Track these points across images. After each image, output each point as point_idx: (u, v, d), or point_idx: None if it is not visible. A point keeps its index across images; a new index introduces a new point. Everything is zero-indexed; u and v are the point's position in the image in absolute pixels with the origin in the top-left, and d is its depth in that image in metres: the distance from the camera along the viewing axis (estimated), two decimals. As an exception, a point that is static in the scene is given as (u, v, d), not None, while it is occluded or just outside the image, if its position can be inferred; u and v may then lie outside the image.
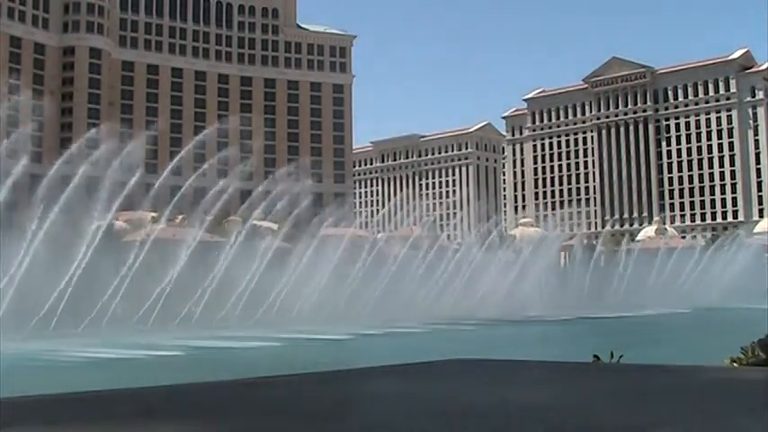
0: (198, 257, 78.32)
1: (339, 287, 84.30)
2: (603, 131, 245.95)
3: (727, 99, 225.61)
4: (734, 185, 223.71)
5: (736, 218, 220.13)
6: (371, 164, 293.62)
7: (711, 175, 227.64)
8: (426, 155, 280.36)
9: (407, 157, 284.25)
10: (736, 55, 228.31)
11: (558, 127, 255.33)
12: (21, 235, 66.11)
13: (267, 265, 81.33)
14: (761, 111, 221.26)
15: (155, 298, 74.00)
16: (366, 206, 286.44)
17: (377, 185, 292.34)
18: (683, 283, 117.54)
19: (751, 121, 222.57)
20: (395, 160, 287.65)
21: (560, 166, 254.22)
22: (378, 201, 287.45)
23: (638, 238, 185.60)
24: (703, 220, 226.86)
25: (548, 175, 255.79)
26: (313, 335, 62.94)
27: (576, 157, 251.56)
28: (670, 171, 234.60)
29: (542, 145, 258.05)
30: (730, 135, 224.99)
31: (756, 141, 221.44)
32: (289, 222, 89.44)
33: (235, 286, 78.52)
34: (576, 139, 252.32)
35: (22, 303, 62.22)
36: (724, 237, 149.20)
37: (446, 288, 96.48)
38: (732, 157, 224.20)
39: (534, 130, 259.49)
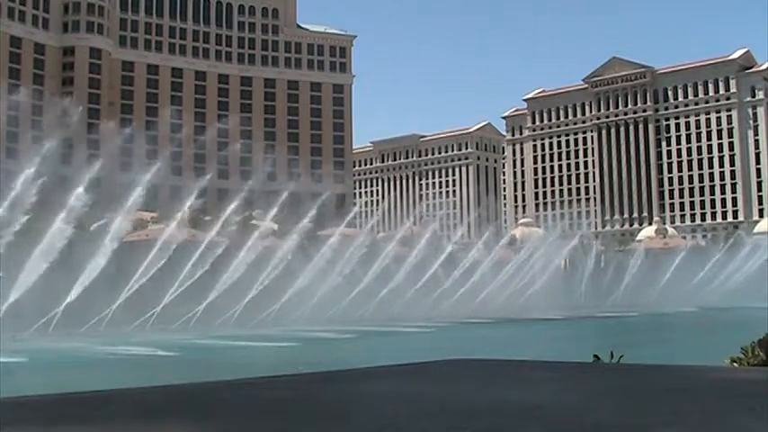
0: (202, 258, 78.31)
1: (341, 287, 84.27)
2: (603, 131, 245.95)
3: (727, 99, 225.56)
4: (734, 185, 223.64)
5: (736, 218, 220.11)
6: (371, 164, 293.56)
7: (711, 175, 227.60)
8: (426, 155, 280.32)
9: (407, 157, 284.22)
10: (736, 55, 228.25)
11: (558, 127, 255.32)
12: (25, 235, 66.20)
13: (268, 266, 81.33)
14: (761, 111, 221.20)
15: (160, 298, 73.99)
16: (366, 206, 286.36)
17: (377, 185, 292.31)
18: (690, 283, 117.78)
19: (751, 121, 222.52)
20: (395, 160, 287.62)
21: (560, 166, 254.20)
22: (378, 201, 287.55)
23: (638, 238, 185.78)
24: (703, 220, 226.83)
25: (548, 175, 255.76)
26: (315, 334, 63.01)
27: (576, 157, 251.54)
28: (670, 171, 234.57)
29: (542, 145, 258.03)
30: (730, 135, 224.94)
31: (756, 141, 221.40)
32: (296, 222, 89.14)
33: (238, 286, 78.45)
34: (576, 139, 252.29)
35: (29, 302, 62.31)
36: (736, 236, 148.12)
37: (449, 288, 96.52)
38: (732, 157, 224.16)
39: (534, 130, 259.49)
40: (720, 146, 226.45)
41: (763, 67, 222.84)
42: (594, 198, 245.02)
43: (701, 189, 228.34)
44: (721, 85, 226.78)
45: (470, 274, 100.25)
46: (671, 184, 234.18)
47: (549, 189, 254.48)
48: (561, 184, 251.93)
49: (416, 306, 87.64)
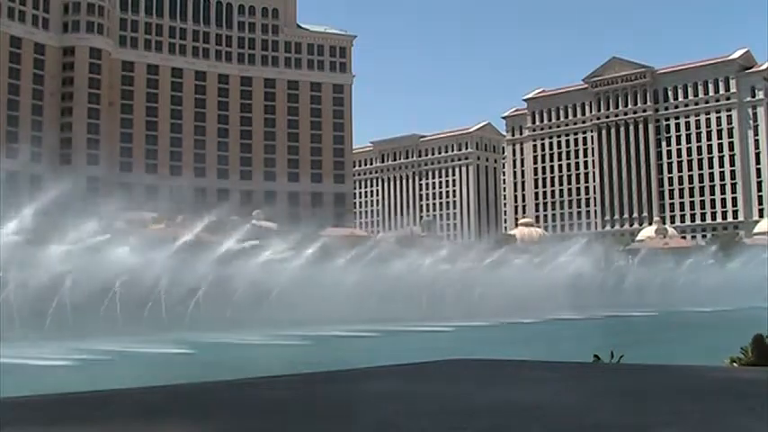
0: (204, 257, 78.42)
1: (343, 287, 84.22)
2: (603, 131, 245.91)
3: (727, 99, 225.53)
4: (734, 185, 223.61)
5: (736, 218, 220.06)
6: (371, 164, 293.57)
7: (711, 175, 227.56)
8: (426, 155, 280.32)
9: (407, 157, 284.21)
10: (736, 55, 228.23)
11: (558, 127, 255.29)
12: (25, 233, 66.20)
13: (270, 266, 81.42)
14: (761, 111, 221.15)
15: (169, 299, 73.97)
16: (366, 206, 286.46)
17: (377, 185, 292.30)
18: (701, 283, 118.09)
19: (751, 121, 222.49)
20: (395, 160, 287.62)
21: (560, 166, 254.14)
22: (378, 201, 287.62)
23: (638, 238, 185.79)
24: (703, 220, 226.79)
25: (548, 175, 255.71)
26: (316, 333, 62.96)
27: (576, 157, 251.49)
28: (670, 171, 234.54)
29: (542, 145, 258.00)
30: (730, 135, 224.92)
31: (756, 141, 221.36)
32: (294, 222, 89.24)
33: (238, 286, 78.50)
34: (575, 139, 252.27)
35: (25, 303, 62.22)
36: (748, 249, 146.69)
37: (452, 290, 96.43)
38: (732, 157, 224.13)
39: (534, 130, 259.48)
40: (720, 146, 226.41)
41: (763, 67, 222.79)
42: (594, 198, 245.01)
43: (701, 189, 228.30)
44: (721, 85, 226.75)
45: (474, 275, 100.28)
46: (671, 184, 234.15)
47: (549, 189, 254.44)
48: (561, 185, 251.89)
49: (420, 306, 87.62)
